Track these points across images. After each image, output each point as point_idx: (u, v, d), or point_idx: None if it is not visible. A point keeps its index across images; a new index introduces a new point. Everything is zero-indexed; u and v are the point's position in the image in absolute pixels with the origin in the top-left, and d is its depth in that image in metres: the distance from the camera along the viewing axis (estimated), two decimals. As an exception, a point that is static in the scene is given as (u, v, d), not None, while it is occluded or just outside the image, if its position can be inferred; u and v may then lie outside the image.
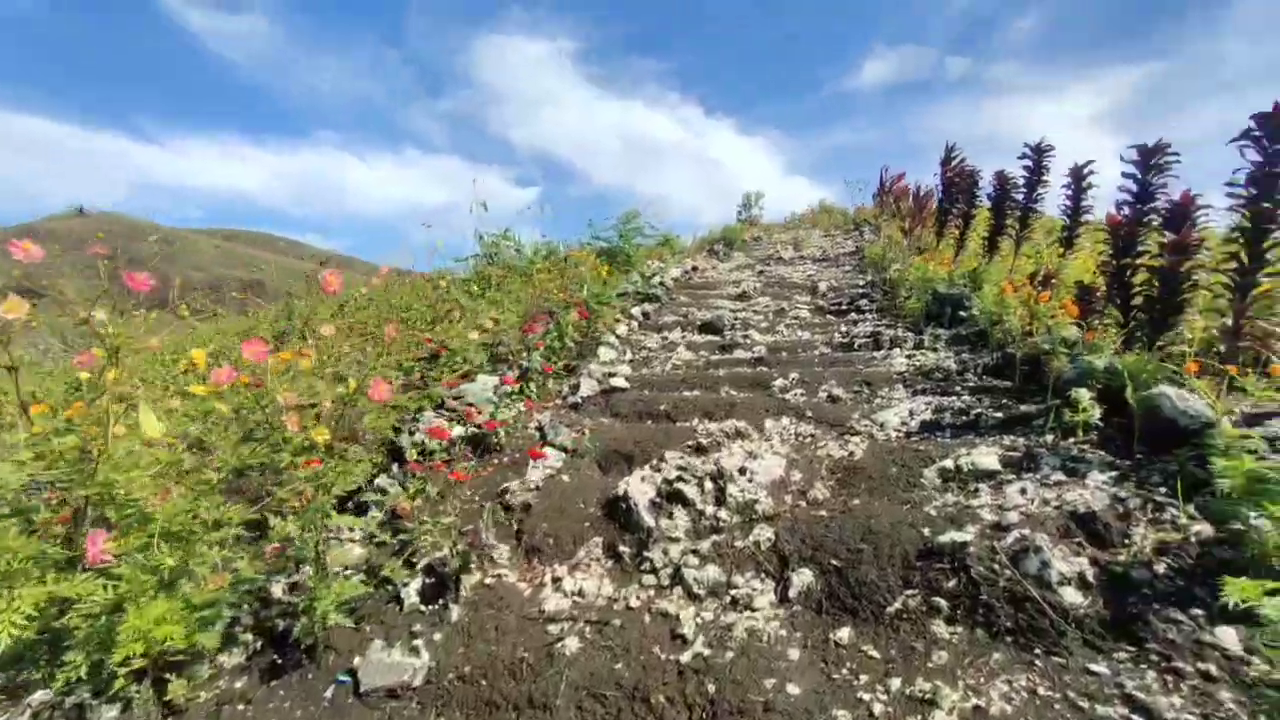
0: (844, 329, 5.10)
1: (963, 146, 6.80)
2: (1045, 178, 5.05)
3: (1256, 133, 2.65)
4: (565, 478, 2.84)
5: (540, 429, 3.22)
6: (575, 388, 3.77)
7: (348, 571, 2.08)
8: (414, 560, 2.17)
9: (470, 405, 3.23)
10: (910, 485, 2.44)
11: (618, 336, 5.14)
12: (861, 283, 7.28)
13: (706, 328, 5.73)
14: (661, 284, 7.29)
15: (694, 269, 8.98)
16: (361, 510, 2.59)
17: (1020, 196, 5.20)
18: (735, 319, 5.84)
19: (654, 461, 2.87)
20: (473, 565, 2.12)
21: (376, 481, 2.64)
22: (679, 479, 2.55)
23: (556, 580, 2.23)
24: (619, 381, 3.92)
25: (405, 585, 2.06)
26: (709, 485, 2.49)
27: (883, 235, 10.34)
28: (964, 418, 2.98)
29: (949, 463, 2.45)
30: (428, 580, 2.10)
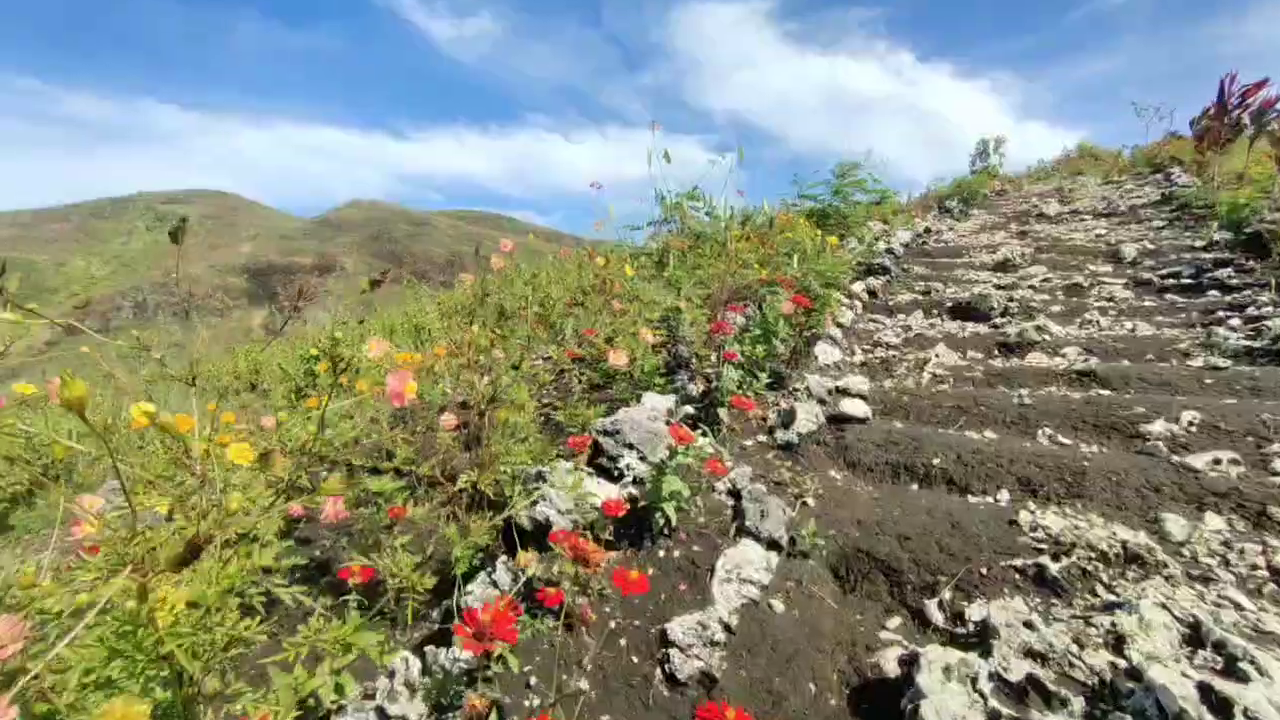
0: (1234, 322, 3.08)
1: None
2: None
3: None
4: (776, 606, 1.60)
5: (734, 495, 2.00)
6: (788, 416, 2.47)
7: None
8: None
9: (628, 446, 2.12)
10: None
11: (840, 326, 3.69)
12: (1199, 243, 4.84)
13: (961, 312, 4.05)
14: (889, 250, 5.58)
15: (927, 231, 7.00)
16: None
17: None
18: (1007, 300, 4.04)
19: (945, 596, 1.51)
20: None
21: (467, 594, 1.62)
22: (1031, 684, 1.17)
23: None
24: (853, 406, 2.54)
25: None
26: (1128, 730, 1.08)
27: (1220, 174, 7.21)
28: None
29: None
30: None
